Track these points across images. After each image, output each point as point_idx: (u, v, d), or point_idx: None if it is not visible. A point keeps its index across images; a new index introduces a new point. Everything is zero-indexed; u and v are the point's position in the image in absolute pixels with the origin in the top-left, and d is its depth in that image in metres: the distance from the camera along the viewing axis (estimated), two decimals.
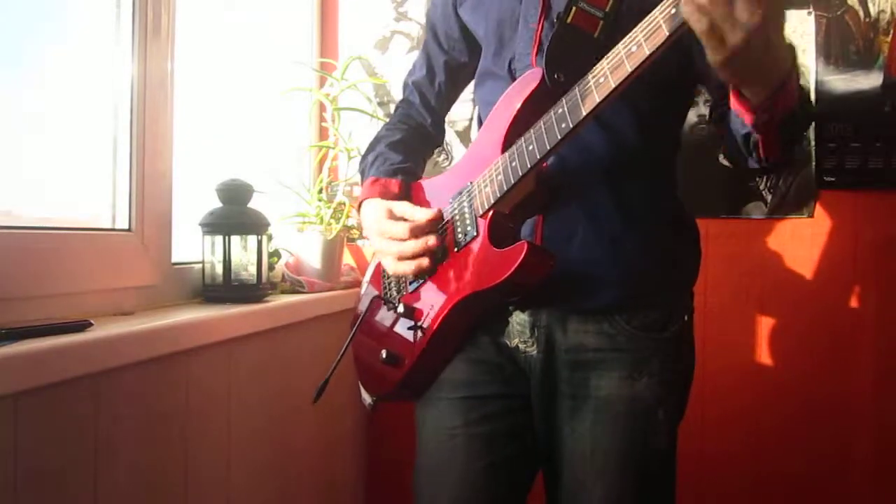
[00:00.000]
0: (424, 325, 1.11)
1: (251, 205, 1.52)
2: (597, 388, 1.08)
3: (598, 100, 0.89)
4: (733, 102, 0.89)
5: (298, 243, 1.82)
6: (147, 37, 1.33)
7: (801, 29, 1.87)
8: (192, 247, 1.50)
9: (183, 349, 1.20)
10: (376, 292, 1.24)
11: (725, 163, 1.87)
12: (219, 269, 1.46)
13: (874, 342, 1.84)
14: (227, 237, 1.46)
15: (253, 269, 1.49)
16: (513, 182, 1.01)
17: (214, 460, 1.33)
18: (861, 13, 1.84)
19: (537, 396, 1.12)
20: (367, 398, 1.25)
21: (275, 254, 1.71)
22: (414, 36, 2.11)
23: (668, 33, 0.80)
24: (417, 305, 1.13)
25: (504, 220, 1.06)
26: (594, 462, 1.07)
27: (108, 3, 1.32)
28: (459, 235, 1.09)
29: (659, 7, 0.81)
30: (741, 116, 0.90)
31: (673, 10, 0.79)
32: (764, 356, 1.91)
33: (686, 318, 1.13)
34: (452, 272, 1.09)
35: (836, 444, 1.86)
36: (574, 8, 1.02)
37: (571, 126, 0.92)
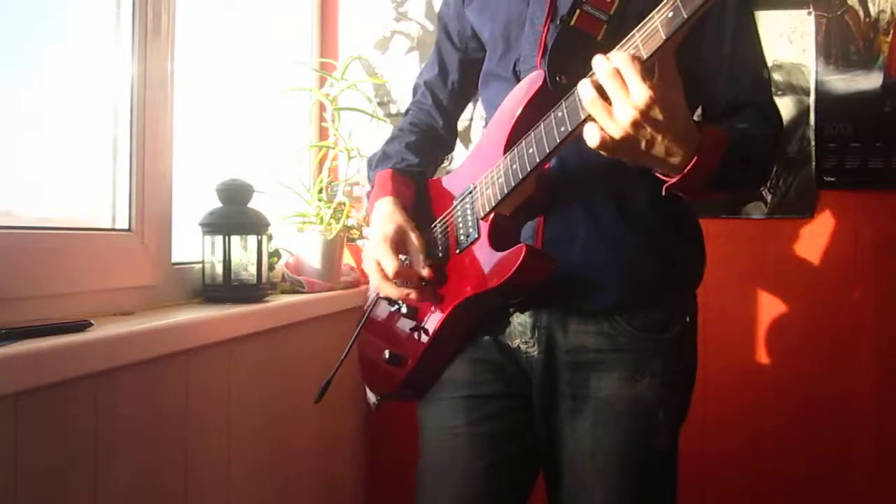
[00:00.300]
0: (427, 326, 1.12)
1: (251, 205, 1.52)
2: (597, 389, 1.08)
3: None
4: None
5: (298, 243, 1.82)
6: (147, 37, 1.33)
7: (801, 29, 1.88)
8: (192, 247, 1.50)
9: (183, 349, 1.20)
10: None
11: None
12: (219, 269, 1.46)
13: (874, 342, 1.84)
14: (227, 237, 1.45)
15: (253, 269, 1.49)
16: (513, 185, 1.01)
17: (214, 460, 1.33)
18: (861, 13, 1.84)
19: (538, 397, 1.12)
20: (371, 397, 1.25)
21: (275, 254, 1.71)
22: (414, 36, 2.11)
23: (665, 37, 0.80)
24: (420, 306, 1.14)
25: (505, 223, 1.06)
26: (595, 463, 1.07)
27: (108, 3, 1.32)
28: (461, 237, 1.09)
29: (657, 10, 0.81)
30: None
31: (670, 14, 0.79)
32: (764, 356, 1.91)
33: (688, 318, 1.13)
34: (454, 274, 1.10)
35: (836, 444, 1.86)
36: (578, 10, 1.02)
37: (570, 129, 0.91)
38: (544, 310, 1.10)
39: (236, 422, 1.39)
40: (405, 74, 2.09)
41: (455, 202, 1.13)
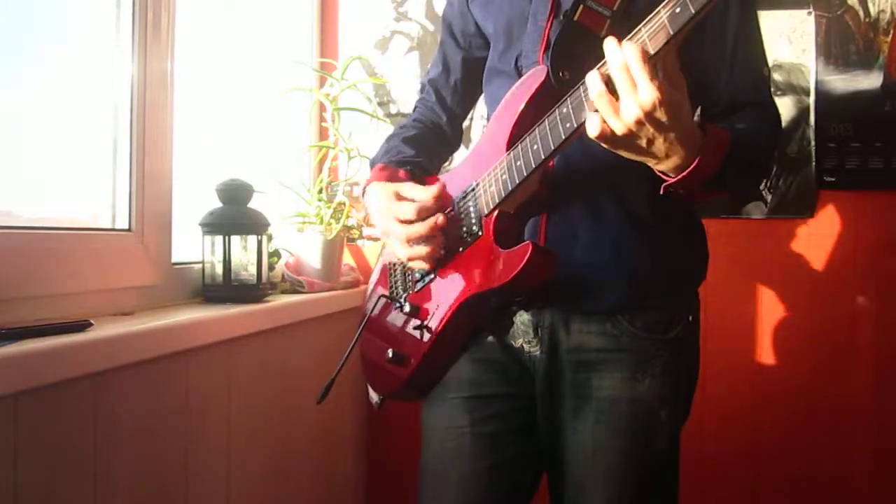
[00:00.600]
0: (430, 325, 1.11)
1: (251, 205, 1.52)
2: (599, 389, 1.07)
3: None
4: None
5: (298, 243, 1.82)
6: (147, 37, 1.33)
7: (801, 29, 1.88)
8: (192, 247, 1.50)
9: (183, 349, 1.20)
10: (383, 291, 1.24)
11: None
12: (219, 269, 1.46)
13: (874, 342, 1.84)
14: (227, 237, 1.45)
15: (253, 269, 1.49)
16: (517, 182, 1.00)
17: (214, 460, 1.33)
18: (861, 13, 1.84)
19: (541, 396, 1.12)
20: (374, 397, 1.25)
21: (275, 254, 1.71)
22: (414, 36, 2.11)
23: (672, 32, 0.80)
24: (423, 305, 1.13)
25: (509, 220, 1.05)
26: (596, 463, 1.07)
27: (108, 3, 1.32)
28: (465, 235, 1.09)
29: (663, 5, 0.80)
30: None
31: (678, 10, 0.79)
32: (764, 356, 1.91)
33: (690, 318, 1.12)
34: (458, 272, 1.09)
35: (836, 443, 1.86)
36: (582, 6, 1.02)
37: (575, 126, 0.91)
38: (547, 309, 1.09)
39: (236, 422, 1.38)
40: (405, 74, 2.09)
41: (457, 199, 1.12)
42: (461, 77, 1.31)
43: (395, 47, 2.12)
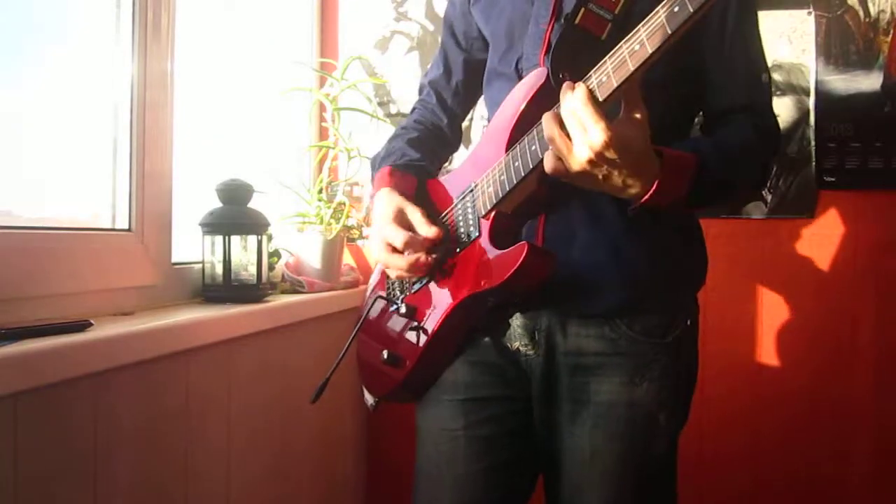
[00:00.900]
0: (426, 326, 1.11)
1: (251, 205, 1.52)
2: (596, 393, 1.07)
3: (599, 99, 0.88)
4: None
5: (298, 243, 1.82)
6: (147, 37, 1.33)
7: (801, 29, 1.88)
8: (192, 247, 1.50)
9: (183, 349, 1.20)
10: (381, 292, 1.23)
11: None
12: (219, 269, 1.46)
13: (874, 342, 1.84)
14: (227, 237, 1.45)
15: (253, 269, 1.49)
16: (515, 182, 1.00)
17: (214, 460, 1.33)
18: (861, 13, 1.84)
19: (538, 399, 1.11)
20: (369, 398, 1.25)
21: (275, 254, 1.71)
22: (414, 36, 2.11)
23: (670, 31, 0.80)
24: (419, 306, 1.13)
25: (506, 221, 1.05)
26: (593, 466, 1.07)
27: (108, 3, 1.32)
28: (462, 236, 1.09)
29: (662, 5, 0.81)
30: None
31: (676, 9, 0.79)
32: (763, 356, 1.91)
33: (689, 322, 1.12)
34: (454, 273, 1.09)
35: (835, 445, 1.86)
36: (583, 9, 1.02)
37: None
38: (544, 312, 1.09)
39: (236, 422, 1.38)
40: (405, 74, 2.09)
41: (456, 200, 1.12)
42: (462, 79, 1.31)
43: (395, 47, 2.12)
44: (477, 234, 1.06)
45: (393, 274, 1.15)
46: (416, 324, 1.12)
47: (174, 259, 1.43)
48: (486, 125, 1.20)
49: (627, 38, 0.84)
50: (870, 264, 1.85)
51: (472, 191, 1.09)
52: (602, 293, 1.06)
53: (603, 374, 1.07)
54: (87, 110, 1.32)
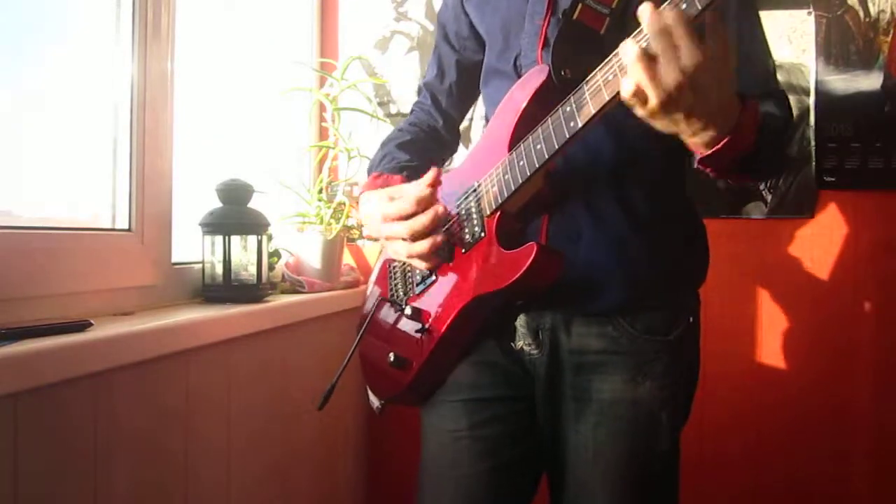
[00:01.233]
0: (432, 328, 1.10)
1: (251, 205, 1.52)
2: (599, 391, 1.07)
3: (607, 98, 0.86)
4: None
5: (298, 243, 1.82)
6: (147, 37, 1.33)
7: (801, 29, 1.88)
8: (192, 247, 1.50)
9: (183, 349, 1.19)
10: (383, 293, 1.23)
11: None
12: (219, 269, 1.46)
13: (874, 342, 1.84)
14: (227, 237, 1.45)
15: (253, 269, 1.49)
16: (520, 182, 0.99)
17: (214, 461, 1.33)
18: (861, 13, 1.84)
19: (541, 398, 1.11)
20: (374, 402, 1.23)
21: (275, 254, 1.71)
22: (414, 36, 2.11)
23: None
24: (425, 307, 1.12)
25: (511, 221, 1.04)
26: (596, 464, 1.07)
27: (108, 3, 1.31)
28: (467, 236, 1.07)
29: (668, 3, 0.79)
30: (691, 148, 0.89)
31: (684, 5, 0.77)
32: (763, 356, 1.91)
33: (691, 320, 1.12)
34: (460, 274, 1.08)
35: (835, 444, 1.86)
36: (580, 4, 1.01)
37: (581, 125, 0.90)
38: (548, 311, 1.09)
39: (236, 422, 1.38)
40: (405, 74, 2.09)
41: (458, 200, 1.11)
42: (456, 80, 1.31)
43: (395, 47, 2.12)
44: (483, 234, 1.05)
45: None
46: (421, 326, 1.11)
47: (174, 259, 1.43)
48: (485, 124, 1.20)
49: (634, 35, 0.81)
50: (870, 264, 1.85)
51: (475, 190, 1.08)
52: (605, 292, 1.06)
53: (605, 373, 1.07)
54: (87, 110, 1.32)
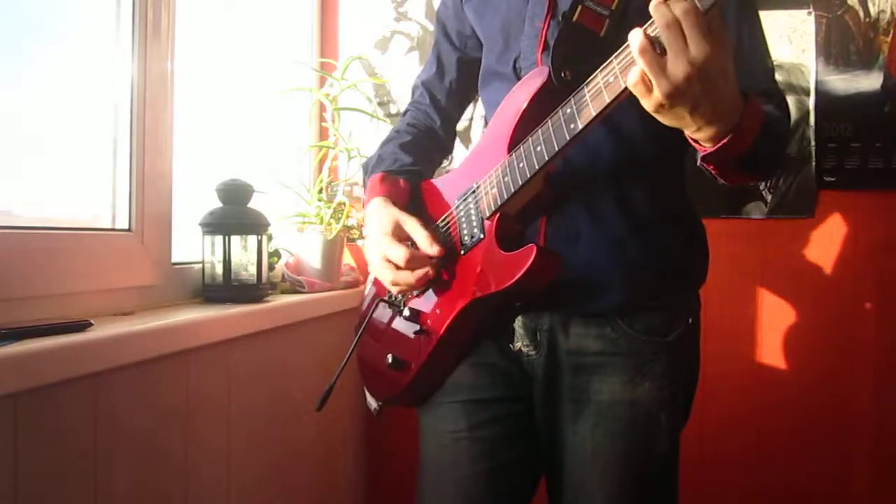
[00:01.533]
0: (431, 330, 1.10)
1: (251, 205, 1.52)
2: (598, 392, 1.07)
3: (607, 100, 0.86)
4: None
5: (298, 243, 1.82)
6: (147, 37, 1.33)
7: (801, 29, 1.88)
8: (192, 247, 1.50)
9: (183, 349, 1.19)
10: (380, 295, 1.22)
11: None
12: (219, 269, 1.46)
13: (875, 342, 1.84)
14: (227, 237, 1.45)
15: (253, 269, 1.49)
16: (520, 184, 0.99)
17: (214, 460, 1.33)
18: (861, 13, 1.84)
19: (539, 399, 1.11)
20: (372, 403, 1.23)
21: (275, 254, 1.71)
22: (414, 36, 2.11)
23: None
24: (423, 309, 1.12)
25: (511, 223, 1.04)
26: (595, 466, 1.07)
27: (108, 3, 1.31)
28: (466, 238, 1.07)
29: None
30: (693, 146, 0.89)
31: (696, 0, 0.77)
32: (763, 356, 1.91)
33: (690, 321, 1.12)
34: (458, 275, 1.08)
35: (835, 445, 1.86)
36: (580, 6, 1.01)
37: (581, 127, 0.90)
38: (546, 312, 1.09)
39: (236, 422, 1.38)
40: (405, 74, 2.09)
41: (457, 202, 1.11)
42: (456, 78, 1.31)
43: (395, 47, 2.12)
44: (482, 236, 1.05)
45: (394, 290, 1.13)
46: (420, 327, 1.11)
47: (174, 259, 1.43)
48: (485, 125, 1.19)
49: None
50: (870, 264, 1.85)
51: (473, 192, 1.08)
52: (603, 293, 1.06)
53: (604, 374, 1.07)
54: (87, 110, 1.32)
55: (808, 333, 1.88)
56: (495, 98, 1.12)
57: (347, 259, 2.03)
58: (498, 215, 1.04)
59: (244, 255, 1.48)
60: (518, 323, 1.11)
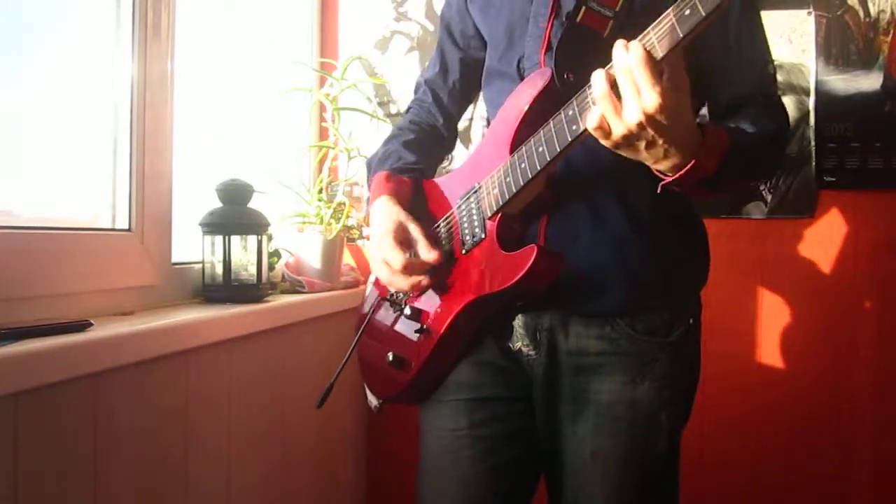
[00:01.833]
0: (431, 329, 1.10)
1: (251, 205, 1.52)
2: (598, 392, 1.07)
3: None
4: None
5: (298, 243, 1.82)
6: (147, 37, 1.33)
7: (801, 29, 1.88)
8: (192, 247, 1.50)
9: (183, 349, 1.20)
10: (383, 295, 1.23)
11: None
12: (219, 269, 1.46)
13: (875, 342, 1.84)
14: (227, 237, 1.45)
15: (253, 269, 1.49)
16: (522, 184, 0.99)
17: (214, 460, 1.33)
18: (861, 13, 1.84)
19: (539, 399, 1.11)
20: (373, 400, 1.24)
21: (275, 254, 1.71)
22: (414, 36, 2.11)
23: (682, 35, 0.79)
24: (424, 308, 1.12)
25: (512, 223, 1.05)
26: (595, 466, 1.07)
27: (108, 3, 1.32)
28: (467, 238, 1.08)
29: (672, 8, 0.79)
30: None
31: (687, 11, 0.78)
32: (763, 357, 1.91)
33: (691, 321, 1.12)
34: (459, 275, 1.08)
35: (835, 445, 1.86)
36: (584, 7, 1.01)
37: (582, 128, 0.90)
38: (546, 312, 1.09)
39: (236, 422, 1.38)
40: (405, 74, 2.09)
41: (459, 202, 1.11)
42: (459, 77, 1.31)
43: (395, 47, 2.12)
44: (483, 235, 1.05)
45: (392, 288, 1.15)
46: (421, 326, 1.11)
47: (174, 259, 1.43)
48: (486, 125, 1.19)
49: (640, 37, 0.83)
50: (870, 264, 1.85)
51: (475, 192, 1.08)
52: (604, 293, 1.06)
53: (604, 374, 1.07)
54: (87, 110, 1.32)
55: (808, 333, 1.88)
56: (497, 98, 1.12)
57: (347, 259, 2.03)
58: (499, 215, 1.04)
59: (244, 255, 1.48)
60: (518, 322, 1.11)
